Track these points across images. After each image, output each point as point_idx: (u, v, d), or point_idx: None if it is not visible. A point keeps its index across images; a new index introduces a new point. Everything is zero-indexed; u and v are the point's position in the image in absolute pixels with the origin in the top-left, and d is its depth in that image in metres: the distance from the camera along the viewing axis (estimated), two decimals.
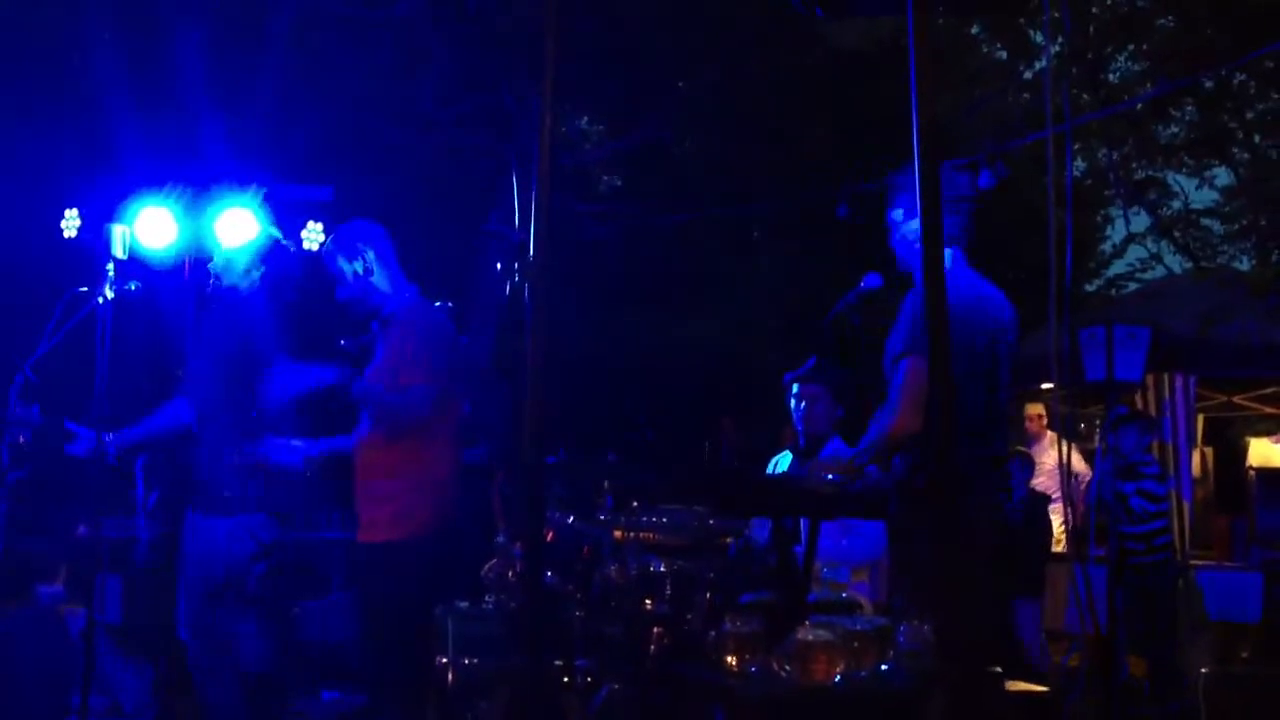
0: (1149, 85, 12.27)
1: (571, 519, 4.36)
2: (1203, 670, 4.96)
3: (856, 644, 3.20)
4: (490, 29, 9.85)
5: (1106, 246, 17.90)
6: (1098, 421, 8.60)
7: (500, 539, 4.89)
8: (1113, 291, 16.99)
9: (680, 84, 11.86)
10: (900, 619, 3.26)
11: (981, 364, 3.80)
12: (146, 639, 5.38)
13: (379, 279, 4.44)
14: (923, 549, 3.56)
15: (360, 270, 4.41)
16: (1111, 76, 13.06)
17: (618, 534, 4.14)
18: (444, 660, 4.32)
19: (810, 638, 3.20)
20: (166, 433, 4.91)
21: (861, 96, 12.00)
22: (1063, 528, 7.63)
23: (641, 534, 4.09)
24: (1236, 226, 14.93)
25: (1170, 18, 12.01)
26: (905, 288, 4.08)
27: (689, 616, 3.80)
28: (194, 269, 5.56)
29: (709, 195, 12.05)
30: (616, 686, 3.89)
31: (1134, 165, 14.44)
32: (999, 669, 3.15)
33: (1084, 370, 5.49)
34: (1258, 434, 11.67)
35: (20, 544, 5.54)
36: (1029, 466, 7.49)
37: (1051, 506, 7.52)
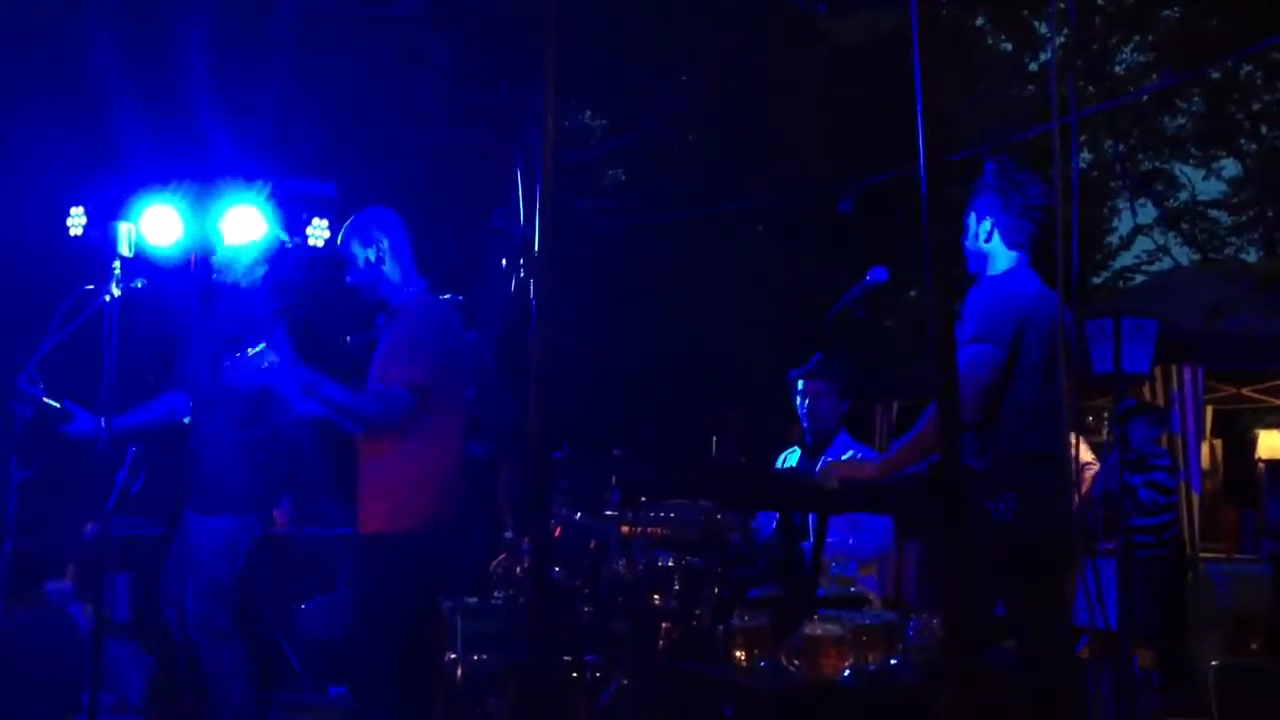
0: (1155, 77, 12.25)
1: (578, 514, 4.36)
2: (1213, 663, 4.95)
3: (865, 638, 3.20)
4: (491, 25, 9.84)
5: (1114, 239, 17.87)
6: (1106, 414, 8.58)
7: (508, 535, 4.90)
8: (1120, 284, 16.98)
9: (683, 79, 11.85)
10: (910, 614, 3.25)
11: (1035, 358, 3.80)
12: (155, 636, 5.38)
13: (390, 269, 4.42)
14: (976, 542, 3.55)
15: (373, 258, 4.40)
16: (1117, 68, 13.03)
17: (625, 529, 4.13)
18: (453, 656, 4.32)
19: (819, 632, 3.20)
20: (162, 423, 4.93)
21: (865, 91, 11.98)
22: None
23: (649, 529, 4.08)
24: (1244, 218, 14.90)
25: (1176, 9, 11.99)
26: (912, 281, 4.07)
27: (697, 611, 3.79)
28: (200, 266, 5.56)
29: (712, 190, 12.04)
30: (625, 682, 3.89)
31: (1140, 157, 14.42)
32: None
33: (1091, 363, 5.46)
34: (1267, 426, 11.66)
35: (29, 542, 5.54)
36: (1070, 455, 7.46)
37: None
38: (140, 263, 5.21)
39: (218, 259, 5.04)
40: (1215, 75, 12.13)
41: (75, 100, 8.37)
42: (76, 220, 7.30)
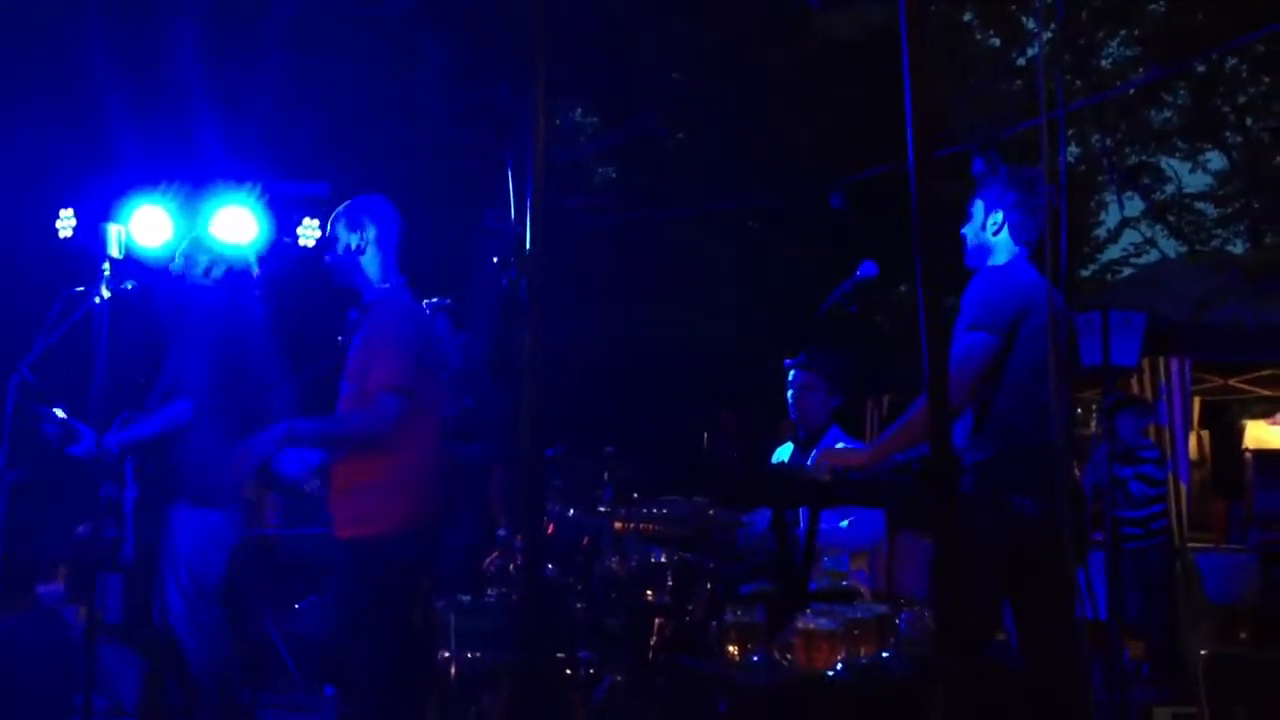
0: (1141, 71, 12.29)
1: (571, 511, 4.37)
2: (1202, 653, 4.98)
3: (857, 632, 3.22)
4: (482, 25, 9.84)
5: (1101, 232, 17.93)
6: (1094, 407, 8.61)
7: (501, 532, 4.91)
8: (1107, 276, 17.03)
9: (674, 76, 11.86)
10: (902, 607, 3.27)
11: (1041, 350, 3.82)
12: (147, 638, 5.38)
13: (369, 261, 4.33)
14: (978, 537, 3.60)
15: (354, 245, 4.31)
16: (1104, 62, 13.07)
17: (618, 526, 4.14)
18: (446, 654, 4.33)
19: (811, 626, 3.21)
20: (166, 433, 4.91)
21: (855, 87, 12.00)
22: None
23: (642, 525, 4.09)
24: (1230, 210, 14.96)
25: (1161, 3, 12.03)
26: (903, 277, 4.09)
27: (690, 607, 3.81)
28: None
29: (703, 187, 12.05)
30: (619, 678, 3.90)
31: (1127, 150, 14.46)
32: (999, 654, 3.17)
33: (1080, 356, 5.49)
34: (1254, 416, 11.71)
35: (20, 544, 5.54)
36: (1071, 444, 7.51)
37: None
38: (130, 264, 5.21)
39: (175, 262, 5.02)
40: (1201, 69, 12.17)
41: (66, 102, 8.35)
42: (66, 222, 7.30)
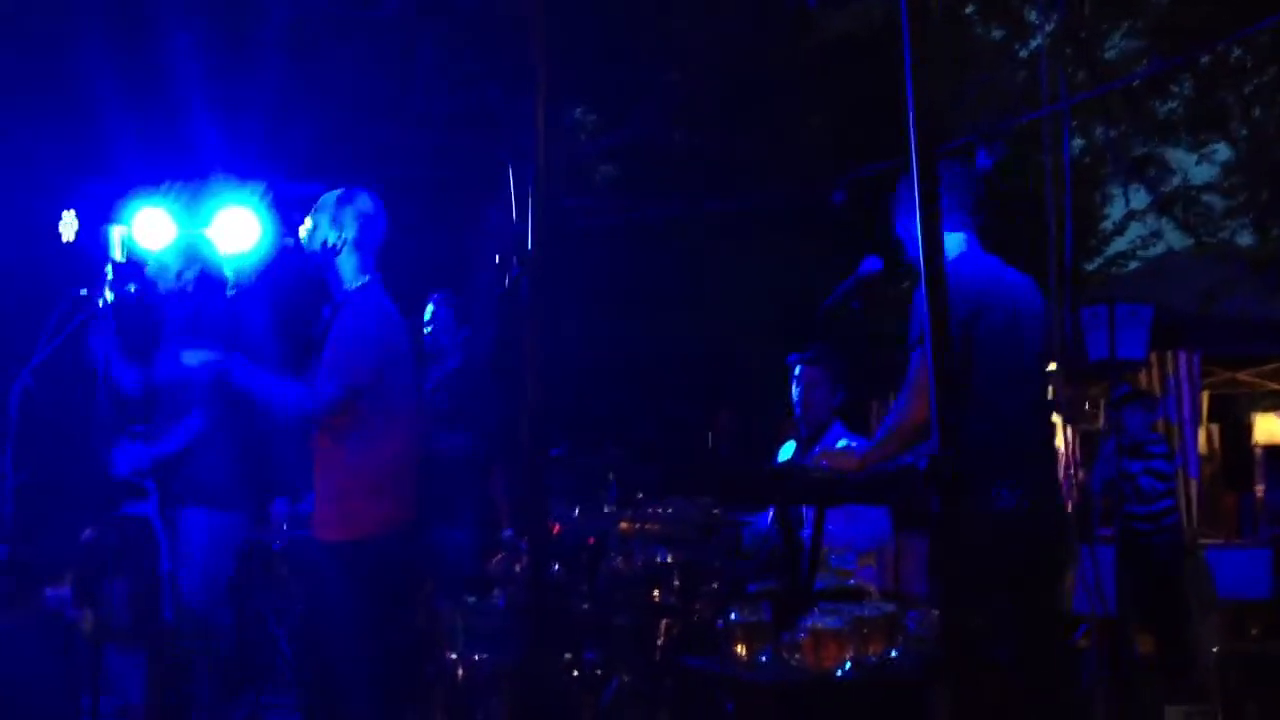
0: (1145, 62, 12.23)
1: (576, 512, 4.35)
2: (1213, 649, 4.95)
3: (865, 630, 3.20)
4: (481, 25, 9.83)
5: (1106, 224, 17.85)
6: (1102, 402, 8.58)
7: (506, 533, 4.90)
8: (1113, 269, 16.96)
9: (672, 75, 11.83)
10: (910, 605, 3.25)
11: (1006, 347, 3.68)
12: (154, 640, 5.37)
13: (344, 260, 4.25)
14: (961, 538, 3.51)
15: (331, 242, 4.24)
16: (1108, 54, 13.01)
17: (623, 526, 4.13)
18: (453, 655, 4.32)
19: (819, 625, 3.19)
20: (188, 446, 4.91)
21: (856, 82, 11.97)
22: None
23: (647, 525, 4.08)
24: (1237, 201, 14.89)
25: None
26: (906, 273, 4.04)
27: (696, 607, 3.79)
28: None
29: (703, 185, 12.03)
30: (625, 678, 3.89)
31: (1132, 142, 14.40)
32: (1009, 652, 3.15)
33: (1086, 350, 5.46)
34: (1263, 410, 11.67)
35: (26, 547, 5.53)
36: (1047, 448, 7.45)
37: None
38: (132, 267, 5.20)
39: (148, 268, 5.01)
40: (1206, 60, 12.12)
41: (67, 104, 8.35)
42: (68, 224, 7.28)
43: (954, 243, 3.77)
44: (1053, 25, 10.79)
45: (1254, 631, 7.60)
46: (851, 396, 5.25)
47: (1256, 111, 13.35)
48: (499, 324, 6.20)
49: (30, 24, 8.49)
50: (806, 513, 4.08)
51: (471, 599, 4.42)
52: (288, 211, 4.58)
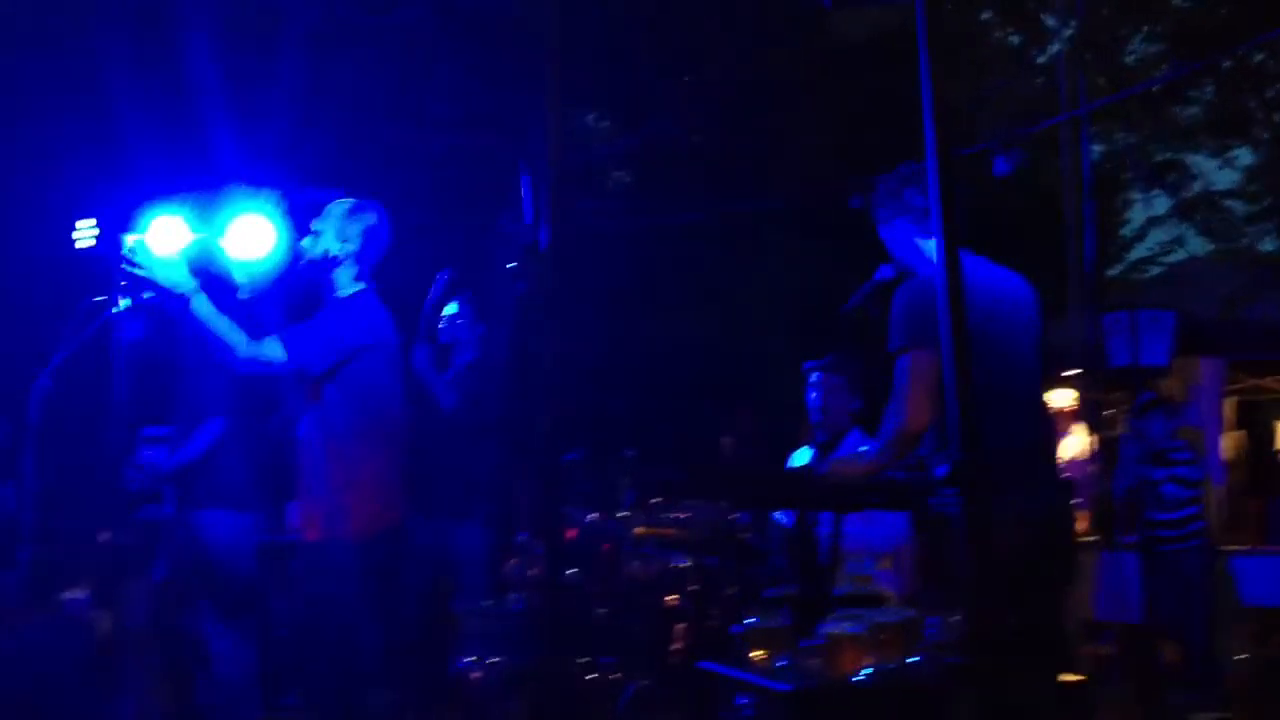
0: (1165, 67, 12.17)
1: (592, 516, 4.34)
2: (1237, 657, 4.90)
3: (884, 636, 3.16)
4: (495, 30, 9.84)
5: (1127, 230, 17.75)
6: (1124, 408, 8.51)
7: (521, 537, 4.89)
8: (1135, 276, 16.84)
9: (686, 78, 11.82)
10: (930, 611, 3.22)
11: (999, 349, 3.63)
12: (171, 644, 5.38)
13: (342, 271, 4.28)
14: (956, 541, 3.46)
15: (333, 252, 4.26)
16: (1128, 58, 12.95)
17: (639, 530, 4.11)
18: (469, 659, 4.31)
19: (837, 631, 3.16)
20: (203, 454, 4.92)
21: (871, 87, 11.94)
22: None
23: (663, 530, 4.06)
24: (1260, 207, 14.80)
25: None
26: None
27: (713, 611, 3.77)
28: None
29: (718, 190, 12.00)
30: (643, 683, 3.87)
31: (1153, 147, 14.32)
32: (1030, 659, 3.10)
33: (1108, 356, 5.40)
34: None
35: (45, 551, 5.55)
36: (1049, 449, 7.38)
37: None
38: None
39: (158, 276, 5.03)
40: (1227, 64, 12.05)
41: (85, 112, 8.39)
42: (86, 231, 7.31)
43: (934, 246, 3.69)
44: (1071, 30, 10.75)
45: (1278, 639, 7.52)
46: (870, 402, 5.21)
47: (1279, 116, 13.27)
48: (514, 328, 6.20)
49: (51, 32, 8.54)
50: (823, 517, 4.04)
51: (487, 602, 4.41)
52: (303, 218, 4.57)
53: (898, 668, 3.14)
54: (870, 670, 3.12)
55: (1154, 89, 11.62)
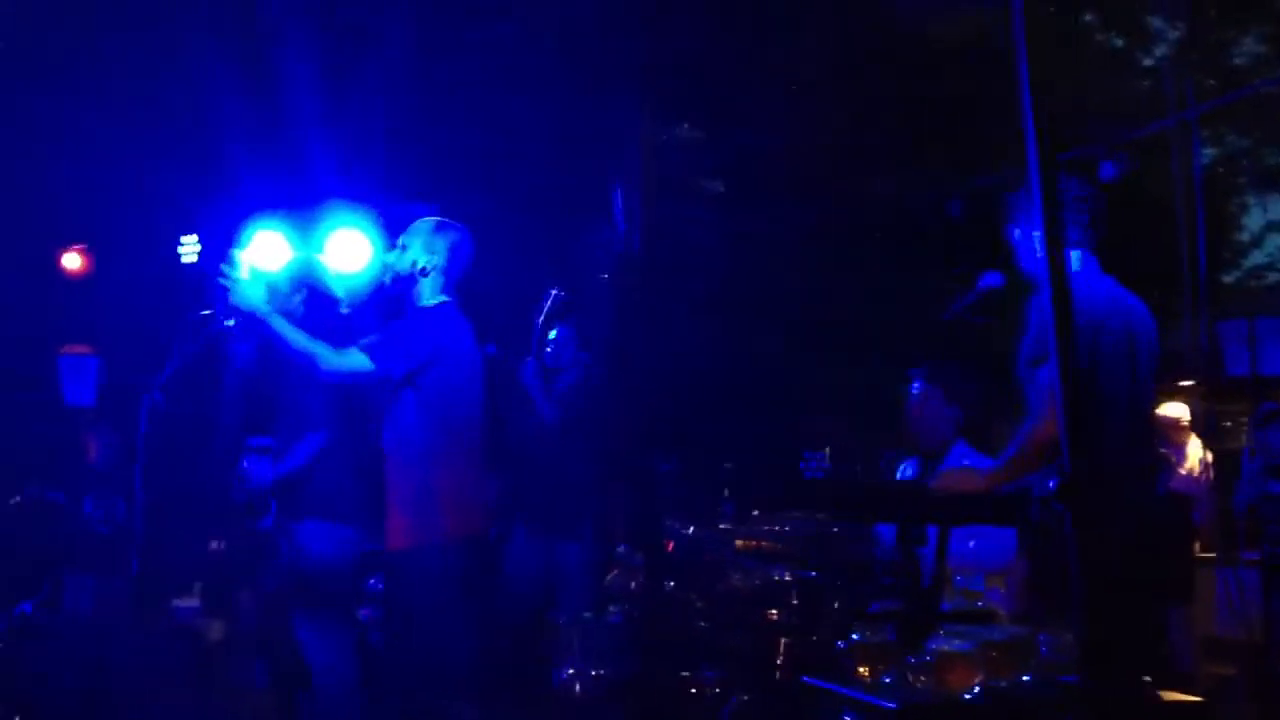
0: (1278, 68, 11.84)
1: (692, 529, 4.32)
2: None
3: (994, 654, 3.09)
4: (589, 42, 9.88)
5: (1243, 236, 17.25)
6: (1243, 420, 8.24)
7: (621, 549, 4.88)
8: (1252, 283, 16.36)
9: (779, 88, 11.76)
10: (1042, 628, 3.14)
11: (1122, 368, 3.63)
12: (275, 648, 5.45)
13: (426, 284, 4.40)
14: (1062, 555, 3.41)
15: (421, 264, 4.39)
16: (1237, 60, 12.62)
17: (739, 543, 4.08)
18: (571, 671, 4.31)
19: (946, 648, 3.09)
20: (307, 465, 5.01)
21: (970, 91, 11.77)
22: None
23: (763, 543, 4.03)
24: None
25: None
26: (1027, 288, 3.94)
27: (817, 626, 3.72)
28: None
29: (813, 199, 11.92)
30: (745, 697, 3.83)
31: (1265, 151, 13.93)
32: (1148, 678, 3.01)
33: (1224, 365, 5.24)
34: None
35: (157, 559, 5.68)
36: (1168, 469, 7.17)
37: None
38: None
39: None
40: None
41: (190, 130, 8.59)
42: (190, 248, 7.50)
43: (1071, 260, 3.74)
44: (1178, 32, 10.50)
45: None
46: (973, 413, 5.12)
47: None
48: (610, 341, 6.21)
49: (154, 53, 8.76)
50: (930, 532, 3.98)
51: (588, 615, 4.41)
52: (398, 232, 4.66)
53: (1008, 686, 3.06)
54: (979, 688, 3.05)
55: (1265, 90, 11.29)
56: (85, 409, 7.98)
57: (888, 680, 3.19)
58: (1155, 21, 12.36)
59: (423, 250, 4.40)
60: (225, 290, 4.33)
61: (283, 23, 8.66)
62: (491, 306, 5.00)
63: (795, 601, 3.75)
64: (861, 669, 3.26)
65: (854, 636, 3.30)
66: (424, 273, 4.38)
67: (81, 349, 8.55)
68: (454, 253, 4.42)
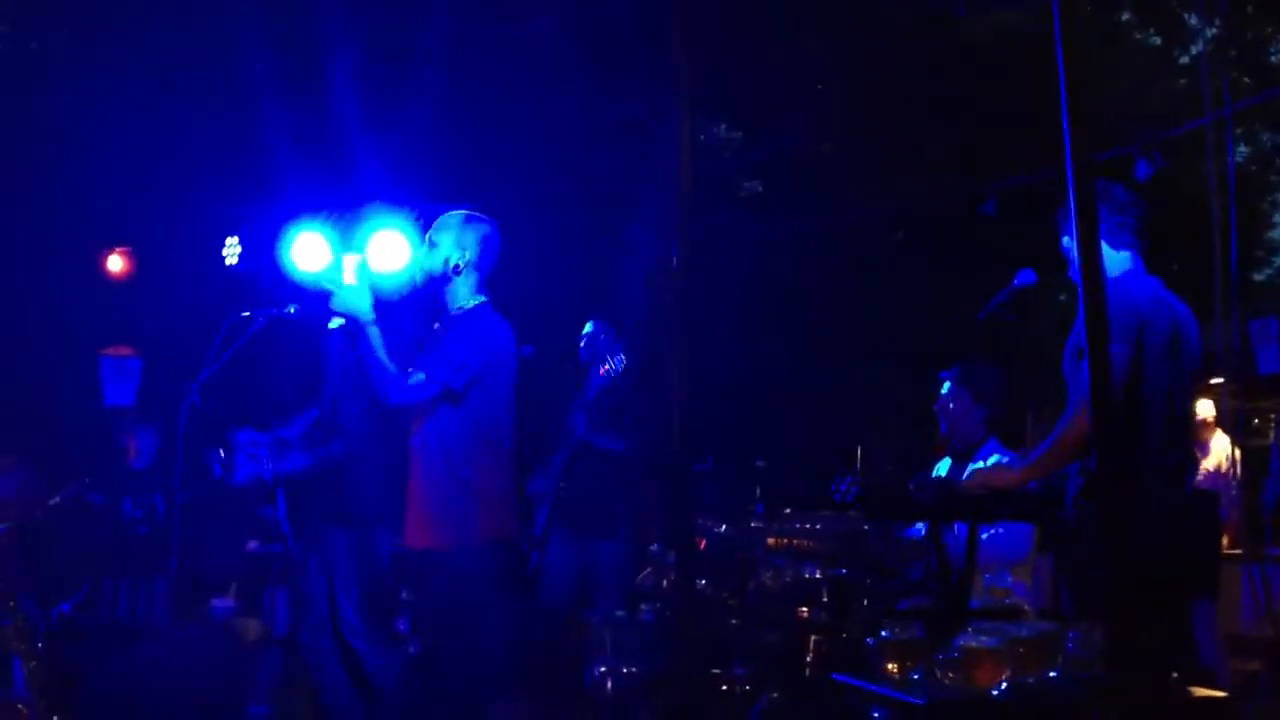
0: None
1: (723, 527, 4.35)
2: None
3: (1022, 650, 3.11)
4: (625, 42, 9.91)
5: (1275, 234, 17.12)
6: (1272, 417, 8.20)
7: (654, 548, 4.91)
8: None
9: (817, 87, 11.76)
10: (1069, 625, 3.15)
11: (1164, 366, 3.69)
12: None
13: (461, 281, 4.41)
14: (1093, 551, 3.44)
15: (454, 261, 4.39)
16: (1274, 57, 12.52)
17: (771, 541, 4.11)
18: (603, 668, 4.35)
19: (974, 644, 3.12)
20: (317, 469, 5.05)
21: (1003, 89, 11.72)
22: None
23: (795, 541, 4.05)
24: None
25: None
26: (1063, 285, 3.98)
27: (847, 623, 3.75)
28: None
29: (849, 198, 11.91)
30: (775, 695, 3.86)
31: None
32: (1174, 675, 3.03)
33: (1255, 363, 5.23)
34: None
35: (194, 560, 5.75)
36: (1195, 465, 7.13)
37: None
38: (293, 289, 5.37)
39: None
40: None
41: (231, 132, 8.68)
42: (232, 250, 7.59)
43: (1120, 260, 3.89)
44: (1214, 30, 10.41)
45: None
46: (1006, 411, 5.13)
47: None
48: (645, 340, 6.24)
49: (193, 57, 8.85)
50: (959, 529, 4.00)
51: (620, 613, 4.45)
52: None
53: (1035, 682, 3.08)
54: (1006, 684, 3.07)
55: None
56: (125, 410, 8.08)
57: (916, 677, 3.21)
58: (1192, 19, 12.27)
59: (454, 246, 4.40)
60: (295, 292, 4.33)
61: (324, 25, 8.74)
62: (528, 307, 5.04)
63: (825, 599, 3.77)
64: (890, 666, 3.28)
65: (883, 634, 3.33)
66: (456, 270, 4.39)
67: (123, 350, 8.66)
68: (484, 246, 4.43)
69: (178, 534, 5.41)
